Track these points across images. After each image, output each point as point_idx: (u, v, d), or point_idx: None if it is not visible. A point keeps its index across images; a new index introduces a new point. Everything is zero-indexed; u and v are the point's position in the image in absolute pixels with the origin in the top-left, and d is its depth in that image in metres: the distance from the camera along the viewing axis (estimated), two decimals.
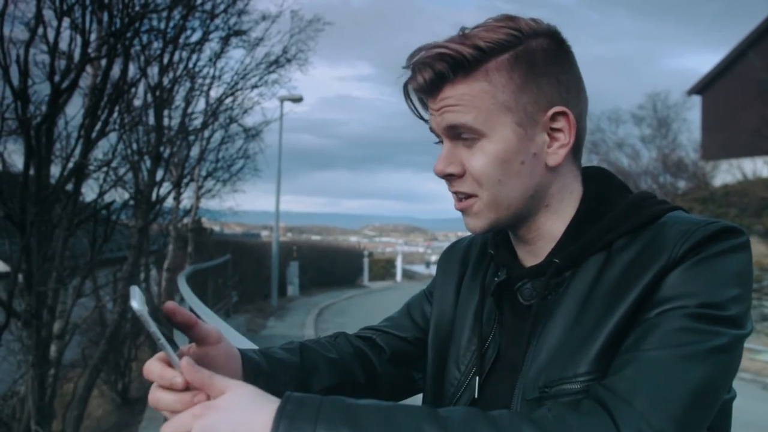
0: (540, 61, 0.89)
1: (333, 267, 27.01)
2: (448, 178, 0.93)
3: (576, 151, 0.94)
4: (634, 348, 0.78)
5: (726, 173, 18.51)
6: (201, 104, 10.94)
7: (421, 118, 0.97)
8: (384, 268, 33.51)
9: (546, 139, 0.90)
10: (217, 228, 22.05)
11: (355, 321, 16.49)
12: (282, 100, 17.73)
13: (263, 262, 20.08)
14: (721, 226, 0.82)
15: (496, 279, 1.01)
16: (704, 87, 23.08)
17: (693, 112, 26.16)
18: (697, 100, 23.35)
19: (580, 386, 0.81)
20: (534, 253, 0.96)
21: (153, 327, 0.76)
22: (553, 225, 0.94)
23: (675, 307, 0.78)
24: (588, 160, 22.63)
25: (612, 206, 0.91)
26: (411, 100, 0.96)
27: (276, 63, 11.42)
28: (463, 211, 0.94)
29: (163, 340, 0.77)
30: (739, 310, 0.79)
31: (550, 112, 0.89)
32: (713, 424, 0.83)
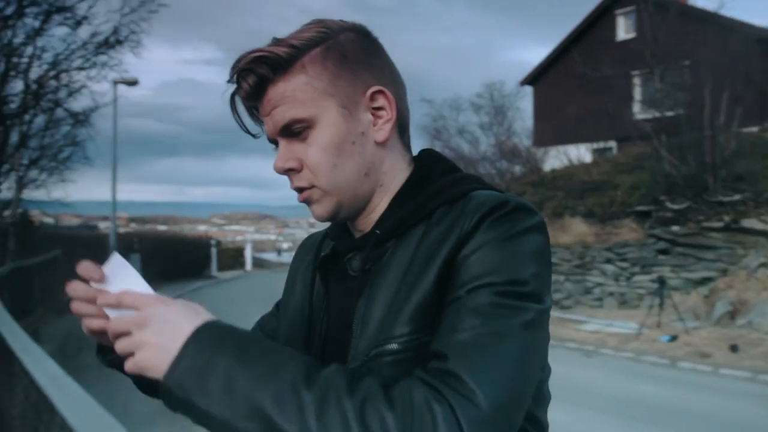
0: (350, 50, 0.96)
1: (179, 258, 25.98)
2: (289, 173, 0.97)
3: (402, 131, 1.01)
4: (452, 329, 0.81)
5: (555, 159, 20.03)
6: (19, 86, 9.92)
7: (248, 132, 1.01)
8: (233, 258, 32.78)
9: (370, 118, 0.96)
10: (50, 221, 20.34)
11: None
12: (116, 83, 16.64)
13: (100, 255, 18.54)
14: (516, 204, 0.88)
15: (323, 253, 1.06)
16: (535, 78, 24.77)
17: (526, 102, 28.01)
18: (529, 90, 25.03)
19: (398, 346, 0.86)
20: (365, 229, 1.01)
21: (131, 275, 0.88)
22: (385, 202, 0.99)
23: (483, 284, 0.82)
24: (431, 145, 23.26)
25: (432, 184, 0.97)
26: (238, 115, 1.00)
27: (105, 44, 10.64)
28: (307, 201, 0.98)
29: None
30: (540, 286, 0.85)
31: (369, 92, 0.96)
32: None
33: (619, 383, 8.19)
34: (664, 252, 13.24)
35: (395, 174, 0.99)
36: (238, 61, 0.95)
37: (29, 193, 13.26)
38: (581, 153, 19.24)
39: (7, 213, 12.10)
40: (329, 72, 0.94)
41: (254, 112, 1.00)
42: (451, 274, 0.85)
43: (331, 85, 0.94)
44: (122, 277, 0.90)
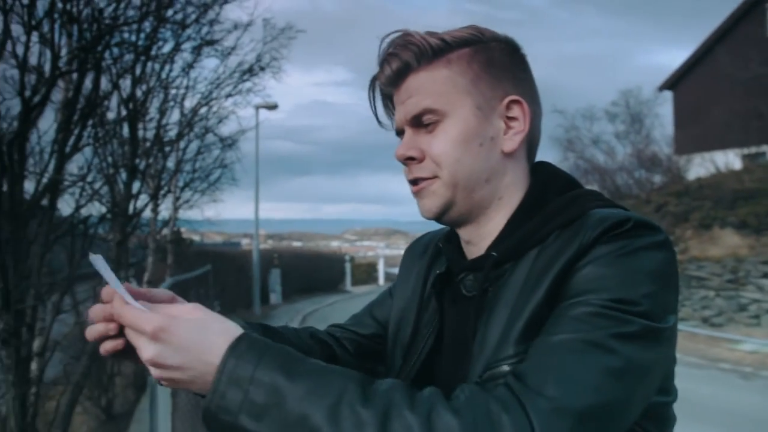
0: (497, 57, 0.96)
1: (315, 273, 26.94)
2: (408, 162, 0.96)
3: (530, 148, 0.99)
4: (544, 334, 0.79)
5: (699, 167, 18.79)
6: (176, 115, 10.84)
7: (378, 119, 1.03)
8: (366, 272, 33.51)
9: (502, 126, 0.95)
10: (197, 238, 21.86)
11: None
12: (257, 108, 17.68)
13: (244, 270, 19.96)
14: (636, 220, 0.83)
15: (437, 271, 1.03)
16: (675, 82, 23.43)
17: (665, 108, 26.55)
18: (668, 95, 23.70)
19: (509, 368, 0.82)
20: (479, 246, 0.98)
21: (109, 273, 0.81)
22: (501, 219, 0.96)
23: (586, 299, 0.79)
24: (564, 157, 22.83)
25: (548, 203, 0.94)
26: (374, 102, 1.01)
27: (250, 71, 11.37)
28: (419, 192, 0.96)
29: (118, 285, 0.81)
30: (654, 307, 0.79)
31: (506, 100, 0.95)
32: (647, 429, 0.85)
33: None
34: None
35: (515, 191, 0.97)
36: (388, 45, 0.96)
37: (183, 213, 14.36)
38: (729, 159, 17.92)
39: (165, 231, 13.21)
40: (473, 72, 0.94)
41: (389, 104, 1.01)
42: (561, 289, 0.82)
43: (472, 84, 0.93)
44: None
